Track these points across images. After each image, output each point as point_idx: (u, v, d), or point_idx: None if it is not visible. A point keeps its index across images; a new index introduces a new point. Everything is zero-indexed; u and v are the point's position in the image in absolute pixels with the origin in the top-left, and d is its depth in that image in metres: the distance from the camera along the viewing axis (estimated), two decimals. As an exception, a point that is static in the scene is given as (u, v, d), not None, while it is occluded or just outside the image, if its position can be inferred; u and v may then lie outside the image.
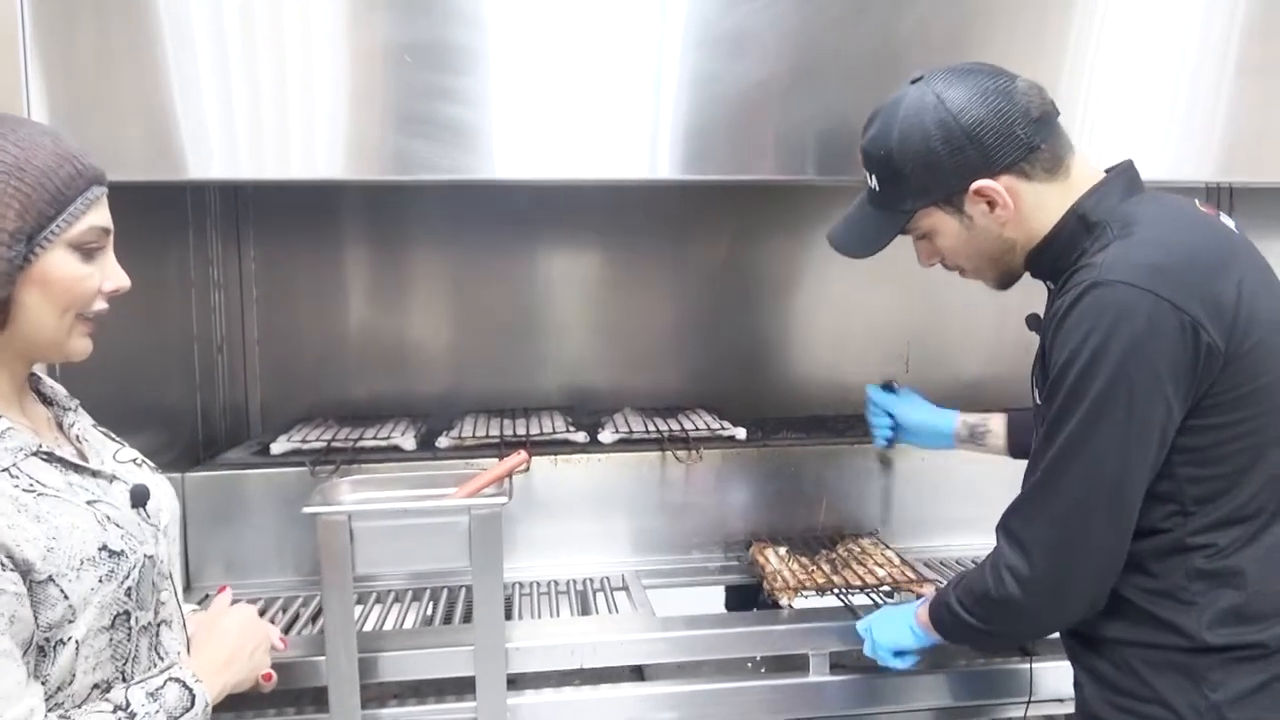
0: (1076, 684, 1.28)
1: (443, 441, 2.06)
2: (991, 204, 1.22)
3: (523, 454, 1.58)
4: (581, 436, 2.09)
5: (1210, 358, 1.09)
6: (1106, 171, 1.26)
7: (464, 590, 1.88)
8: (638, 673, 1.69)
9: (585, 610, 1.82)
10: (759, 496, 2.06)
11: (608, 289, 2.54)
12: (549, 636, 1.61)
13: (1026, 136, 1.19)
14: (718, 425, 2.15)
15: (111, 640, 1.03)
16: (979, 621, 1.28)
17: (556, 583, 1.93)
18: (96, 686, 1.03)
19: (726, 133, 1.72)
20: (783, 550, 1.89)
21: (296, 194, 2.33)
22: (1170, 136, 1.88)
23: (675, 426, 2.15)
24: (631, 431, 2.11)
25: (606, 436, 2.08)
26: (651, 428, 2.13)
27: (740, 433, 2.11)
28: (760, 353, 2.58)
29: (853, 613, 1.64)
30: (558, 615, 1.78)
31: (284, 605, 1.83)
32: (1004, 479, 2.05)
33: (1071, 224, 1.21)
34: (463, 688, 1.54)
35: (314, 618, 1.78)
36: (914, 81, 1.25)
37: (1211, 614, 1.13)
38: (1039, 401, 1.23)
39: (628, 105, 1.68)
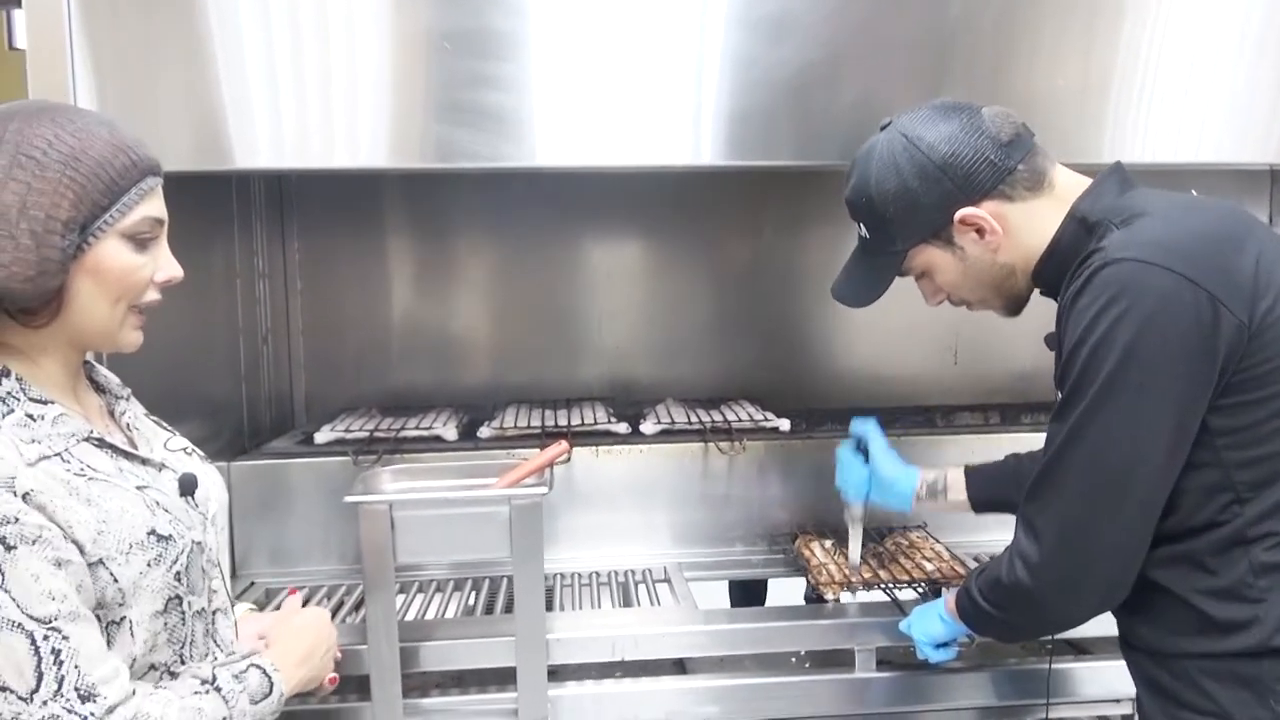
0: (1137, 696, 1.23)
1: (484, 432, 2.05)
2: (980, 231, 1.23)
3: (564, 444, 1.56)
4: (623, 427, 2.07)
5: (1234, 332, 1.04)
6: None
7: (505, 581, 1.87)
8: (679, 666, 1.67)
9: (627, 602, 1.80)
10: (803, 489, 2.03)
11: (649, 279, 2.52)
12: (590, 628, 1.60)
13: (1000, 159, 1.20)
14: (761, 416, 2.12)
15: (166, 624, 1.04)
16: (994, 609, 1.25)
17: (598, 574, 1.92)
18: (154, 668, 1.05)
19: (768, 118, 1.69)
20: (829, 543, 1.86)
21: (340, 185, 2.35)
22: (1231, 119, 1.80)
23: (718, 418, 2.12)
24: (674, 422, 2.09)
25: (648, 427, 2.06)
26: (694, 419, 2.11)
27: (784, 424, 2.08)
28: (803, 344, 2.54)
29: (900, 609, 1.61)
30: (599, 607, 1.77)
31: (328, 593, 1.84)
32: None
33: (1072, 228, 1.20)
34: (504, 678, 1.53)
35: (357, 606, 1.79)
36: (882, 128, 1.28)
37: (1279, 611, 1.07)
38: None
39: (669, 90, 1.66)
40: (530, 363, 2.47)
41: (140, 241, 1.03)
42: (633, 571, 1.93)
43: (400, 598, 1.79)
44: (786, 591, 2.53)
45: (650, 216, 2.46)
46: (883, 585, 1.70)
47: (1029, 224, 1.23)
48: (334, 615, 1.73)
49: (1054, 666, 1.61)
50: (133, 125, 1.07)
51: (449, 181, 2.38)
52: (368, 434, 2.00)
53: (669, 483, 2.02)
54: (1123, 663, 1.60)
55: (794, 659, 1.70)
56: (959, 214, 1.23)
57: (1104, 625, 1.28)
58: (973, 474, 1.62)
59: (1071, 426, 1.11)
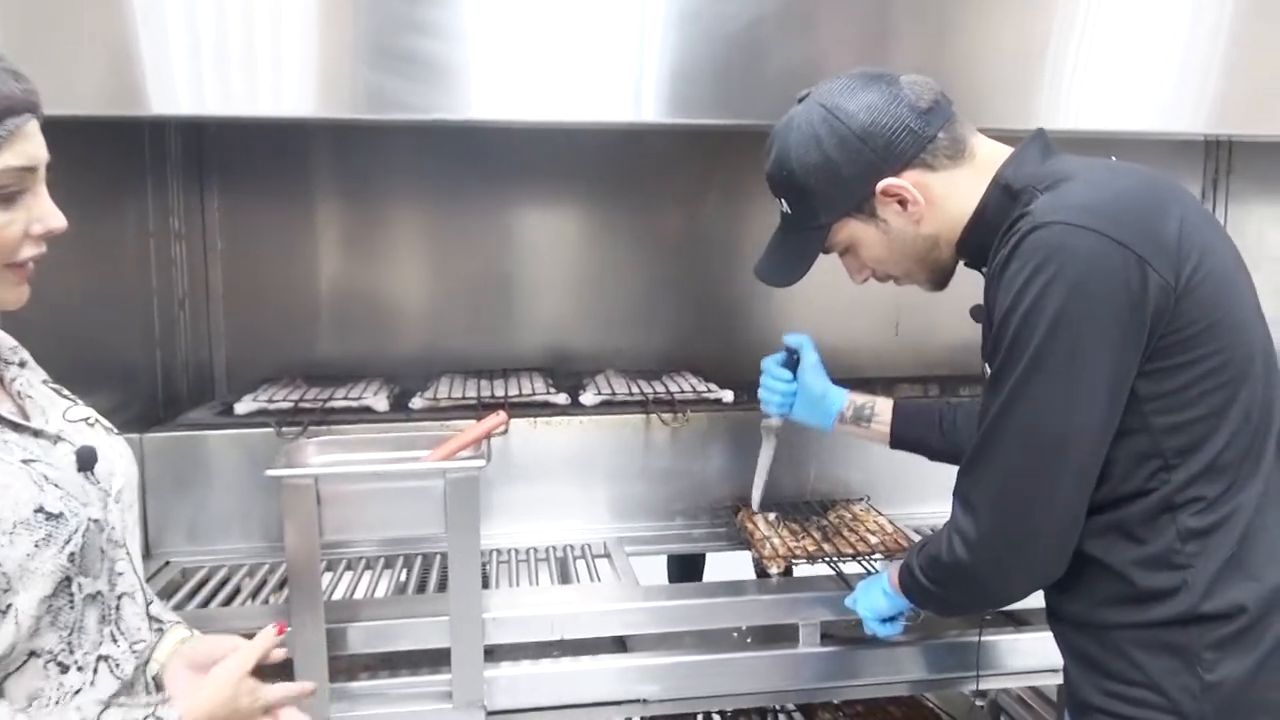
0: (1065, 668, 1.21)
1: (417, 403, 1.97)
2: (902, 202, 1.21)
3: (501, 415, 1.49)
4: (562, 398, 2.01)
5: (1161, 294, 1.03)
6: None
7: (438, 558, 1.80)
8: (620, 644, 1.62)
9: (565, 579, 1.75)
10: (746, 462, 1.98)
11: (589, 245, 2.44)
12: (528, 606, 1.54)
13: (920, 128, 1.18)
14: (704, 388, 2.08)
15: (51, 607, 0.95)
16: (934, 586, 1.23)
17: (535, 550, 1.86)
18: (35, 655, 0.95)
19: (715, 75, 1.64)
20: (771, 516, 1.83)
21: (263, 138, 2.21)
22: (1163, 89, 1.81)
23: (659, 389, 2.07)
24: (614, 394, 2.03)
25: (588, 399, 2.00)
26: (635, 390, 2.05)
27: (727, 395, 2.04)
28: (746, 314, 2.50)
29: (845, 583, 1.59)
30: (537, 584, 1.71)
31: (249, 572, 1.74)
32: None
33: (996, 196, 1.17)
34: (438, 659, 1.47)
35: (281, 586, 1.70)
36: (800, 100, 1.25)
37: (1207, 576, 1.06)
38: (989, 373, 1.16)
39: (610, 43, 1.59)
40: (465, 331, 2.38)
41: (4, 196, 0.91)
42: (571, 547, 1.88)
43: (326, 576, 1.72)
44: (725, 566, 2.52)
45: (591, 178, 2.38)
46: (827, 559, 1.67)
47: (951, 193, 1.20)
48: (256, 594, 1.65)
49: (986, 639, 1.61)
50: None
51: (380, 136, 2.26)
52: (292, 404, 1.90)
53: (609, 455, 1.96)
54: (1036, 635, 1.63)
55: (735, 634, 1.67)
56: (881, 184, 1.20)
57: (1040, 597, 1.26)
58: (900, 408, 1.61)
59: (1005, 397, 1.07)
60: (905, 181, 1.20)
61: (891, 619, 1.44)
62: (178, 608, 1.58)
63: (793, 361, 1.67)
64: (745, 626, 1.65)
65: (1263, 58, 1.82)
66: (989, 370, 1.18)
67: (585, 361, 2.38)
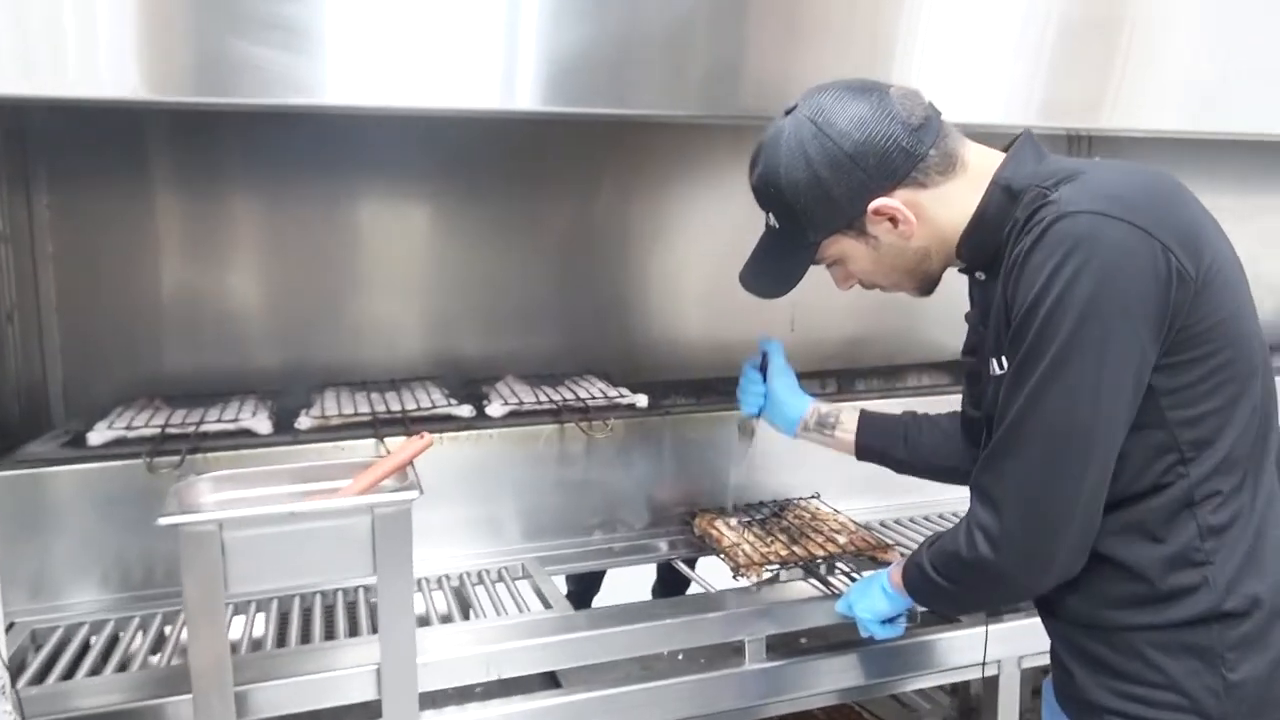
0: (1063, 671, 1.20)
1: (303, 422, 1.76)
2: (893, 220, 1.19)
3: (426, 436, 1.34)
4: (466, 410, 1.85)
5: (1183, 285, 1.03)
6: (1005, 150, 1.21)
7: (339, 594, 1.62)
8: (550, 678, 1.50)
9: (492, 608, 1.60)
10: (665, 467, 1.91)
11: (474, 242, 2.26)
12: (460, 646, 1.40)
13: (911, 146, 1.16)
14: (615, 393, 1.97)
15: None
16: (951, 584, 1.21)
17: (447, 578, 1.71)
18: None
19: (595, 62, 1.54)
20: (734, 520, 1.77)
21: (95, 127, 1.92)
22: (1002, 82, 1.84)
23: (569, 395, 1.95)
24: (522, 403, 1.89)
25: (495, 410, 1.85)
26: (543, 398, 1.92)
27: (641, 400, 1.95)
28: (644, 313, 2.41)
29: (826, 587, 1.57)
30: (459, 616, 1.56)
31: (117, 630, 1.50)
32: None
33: (997, 197, 1.16)
34: (362, 715, 1.30)
35: (156, 645, 1.48)
36: (788, 112, 1.21)
37: (1227, 573, 1.07)
38: (1001, 369, 1.15)
39: (482, 25, 1.47)
40: (339, 339, 2.16)
41: None
42: (487, 572, 1.73)
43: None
44: (622, 582, 2.45)
45: (472, 171, 2.20)
46: (803, 564, 1.64)
47: (943, 208, 1.19)
48: (124, 665, 1.41)
49: (919, 640, 1.61)
50: None
51: (229, 124, 2.00)
52: (157, 431, 1.65)
53: (520, 470, 1.83)
54: (978, 630, 1.64)
55: (668, 653, 1.58)
56: (873, 205, 1.18)
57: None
58: (866, 419, 1.58)
59: (1033, 388, 1.05)
60: (896, 201, 1.17)
61: (891, 620, 1.41)
62: (34, 681, 1.34)
63: (766, 365, 1.66)
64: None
65: (1093, 52, 1.88)
66: (998, 367, 1.15)
67: (476, 367, 2.22)
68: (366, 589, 1.63)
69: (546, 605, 1.57)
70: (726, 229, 2.39)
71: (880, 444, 1.55)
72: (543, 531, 1.84)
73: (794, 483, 2.00)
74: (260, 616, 1.55)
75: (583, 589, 2.74)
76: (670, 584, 2.78)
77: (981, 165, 1.19)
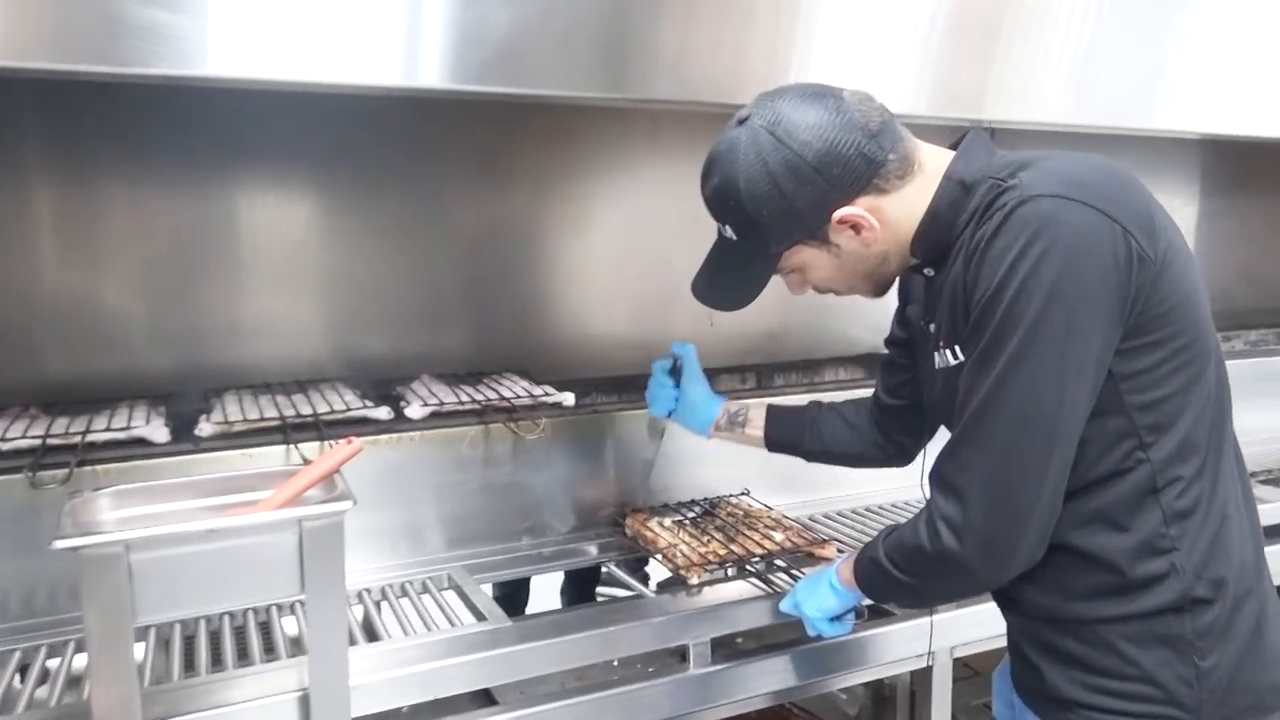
0: (1028, 666, 1.19)
1: (204, 428, 1.62)
2: (856, 228, 1.17)
3: (355, 441, 1.24)
4: (384, 412, 1.74)
5: (1143, 268, 1.04)
6: (953, 147, 1.21)
7: (250, 613, 1.49)
8: (484, 694, 1.42)
9: (421, 623, 1.51)
10: (596, 467, 1.85)
11: (378, 233, 2.13)
12: (392, 665, 1.30)
13: (873, 153, 1.14)
14: (539, 391, 1.89)
15: None
16: (912, 578, 1.19)
17: (368, 592, 1.60)
18: None
19: (508, 37, 1.46)
20: (668, 520, 1.72)
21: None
22: (894, 71, 1.86)
23: (491, 395, 1.86)
24: (443, 404, 1.79)
25: (415, 411, 1.75)
26: (465, 398, 1.83)
27: (568, 398, 1.88)
28: (561, 307, 2.34)
29: (769, 586, 1.54)
30: (384, 635, 1.46)
31: (-4, 665, 1.34)
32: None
33: (950, 191, 1.15)
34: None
35: (42, 679, 1.33)
36: (741, 122, 1.17)
37: (1194, 558, 1.08)
38: (956, 359, 1.14)
39: None
40: (235, 338, 2.00)
41: None
42: (411, 583, 1.63)
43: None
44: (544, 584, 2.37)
45: (379, 155, 2.08)
46: (747, 564, 1.61)
47: (902, 211, 1.17)
48: (14, 701, 1.26)
49: (862, 635, 1.60)
50: None
51: (102, 98, 1.80)
52: (39, 440, 1.49)
53: (444, 475, 1.74)
54: (920, 622, 1.64)
55: (614, 662, 1.53)
56: (837, 215, 1.15)
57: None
58: (773, 412, 1.64)
59: (997, 376, 1.04)
60: (860, 209, 1.15)
61: (839, 617, 1.39)
62: (-100, 730, 1.18)
63: (678, 368, 1.68)
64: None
65: (977, 45, 1.92)
66: (951, 358, 1.14)
67: (385, 367, 2.10)
68: (280, 606, 1.51)
69: (479, 617, 1.48)
70: (646, 220, 2.35)
71: (788, 436, 1.61)
72: (469, 539, 1.75)
73: (720, 479, 1.97)
74: (162, 644, 1.41)
75: (511, 593, 2.67)
76: (579, 583, 2.72)
77: (934, 166, 1.18)
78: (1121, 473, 1.08)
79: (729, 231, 1.22)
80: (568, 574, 2.73)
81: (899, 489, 2.00)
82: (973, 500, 1.08)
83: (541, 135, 2.24)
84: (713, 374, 2.38)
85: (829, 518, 1.97)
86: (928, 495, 1.17)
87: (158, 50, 1.25)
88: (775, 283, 1.31)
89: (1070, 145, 2.20)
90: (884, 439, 1.54)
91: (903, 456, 1.54)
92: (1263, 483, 2.24)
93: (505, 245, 2.27)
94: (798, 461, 1.98)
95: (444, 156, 2.16)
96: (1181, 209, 3.16)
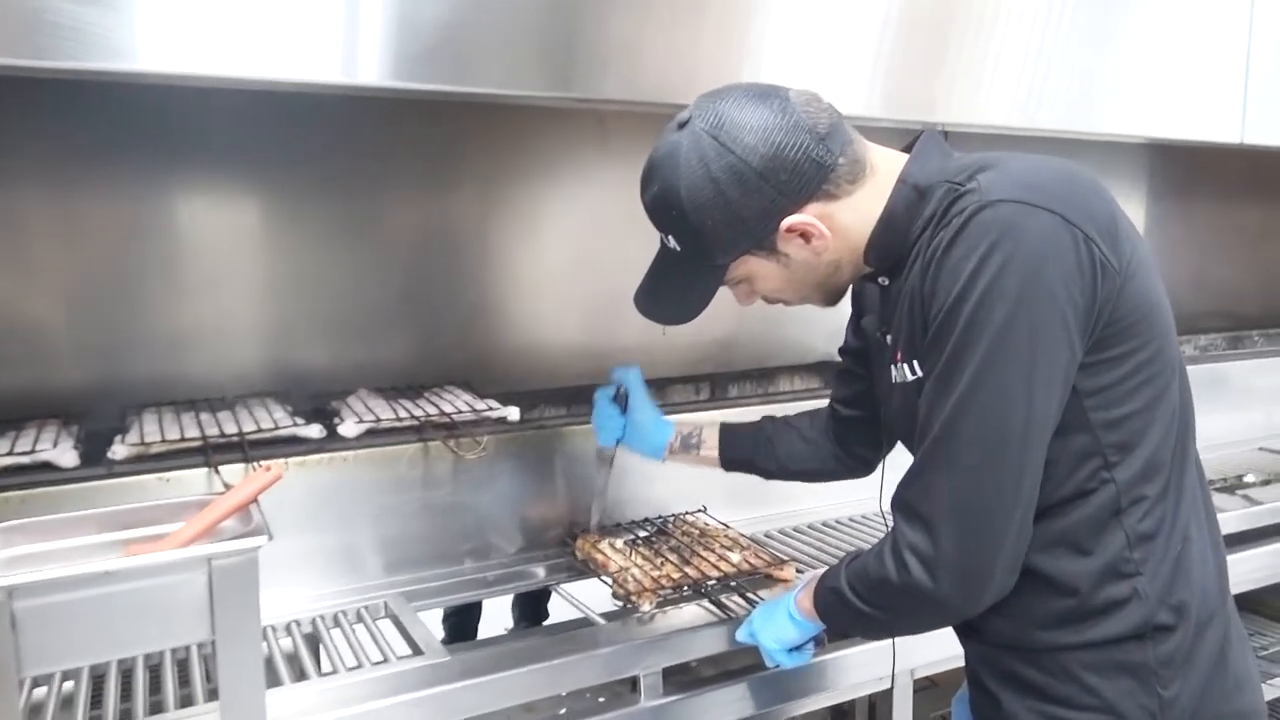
0: (986, 695, 1.13)
1: (118, 450, 1.50)
2: (805, 236, 1.11)
3: (273, 467, 1.14)
4: (315, 430, 1.64)
5: (1107, 278, 0.98)
6: (906, 150, 1.15)
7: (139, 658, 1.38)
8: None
9: (353, 657, 1.40)
10: (545, 486, 1.77)
11: (313, 239, 2.02)
12: (319, 708, 1.20)
13: (821, 157, 1.07)
14: (483, 405, 1.80)
15: None
16: (878, 611, 1.12)
17: (298, 624, 1.49)
18: None
19: (453, 33, 1.39)
20: (619, 542, 1.64)
21: None
22: (846, 72, 1.82)
23: (431, 410, 1.76)
24: (380, 420, 1.69)
25: (349, 429, 1.65)
26: (403, 413, 1.73)
27: (512, 413, 1.78)
28: (505, 316, 2.24)
29: (723, 612, 1.47)
30: (313, 671, 1.36)
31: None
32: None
33: (905, 195, 1.09)
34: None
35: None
36: (681, 125, 1.10)
37: (1157, 583, 1.03)
38: (914, 375, 1.08)
39: None
40: (157, 350, 1.87)
41: None
42: (345, 613, 1.53)
43: None
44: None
45: (314, 157, 1.97)
46: (694, 585, 1.54)
47: (853, 216, 1.11)
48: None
49: (822, 659, 1.53)
50: None
51: (13, 92, 1.67)
52: (-72, 469, 1.37)
53: (381, 496, 1.64)
54: (882, 645, 1.58)
55: (565, 694, 1.44)
56: (785, 223, 1.09)
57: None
58: (726, 432, 1.59)
59: (961, 394, 0.98)
60: (809, 216, 1.08)
61: (799, 647, 1.32)
62: None
63: (622, 394, 1.60)
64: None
65: (929, 48, 1.88)
66: (909, 373, 1.08)
67: (321, 381, 1.99)
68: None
69: (416, 650, 1.39)
70: (595, 226, 2.27)
71: (743, 455, 1.56)
72: (408, 563, 1.65)
73: (675, 495, 1.90)
74: (68, 682, 1.29)
75: (463, 613, 2.59)
76: (531, 599, 2.64)
77: (887, 168, 1.12)
78: (1086, 494, 1.03)
79: (672, 242, 1.15)
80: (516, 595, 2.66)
81: (859, 501, 1.95)
82: (942, 527, 1.01)
83: (487, 136, 2.15)
84: (665, 384, 2.34)
85: (786, 534, 1.90)
86: (890, 520, 1.11)
87: (82, 43, 1.16)
88: (727, 290, 1.25)
89: (1019, 149, 2.17)
90: (842, 452, 1.49)
91: (863, 467, 1.49)
92: (1217, 490, 2.23)
93: (449, 250, 2.17)
94: (755, 476, 1.94)
95: (385, 158, 2.06)
96: (1129, 214, 3.15)
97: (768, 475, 1.55)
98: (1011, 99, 1.99)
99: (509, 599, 2.72)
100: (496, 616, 2.80)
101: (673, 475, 1.84)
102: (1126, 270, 1.00)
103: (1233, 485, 2.24)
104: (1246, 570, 1.98)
